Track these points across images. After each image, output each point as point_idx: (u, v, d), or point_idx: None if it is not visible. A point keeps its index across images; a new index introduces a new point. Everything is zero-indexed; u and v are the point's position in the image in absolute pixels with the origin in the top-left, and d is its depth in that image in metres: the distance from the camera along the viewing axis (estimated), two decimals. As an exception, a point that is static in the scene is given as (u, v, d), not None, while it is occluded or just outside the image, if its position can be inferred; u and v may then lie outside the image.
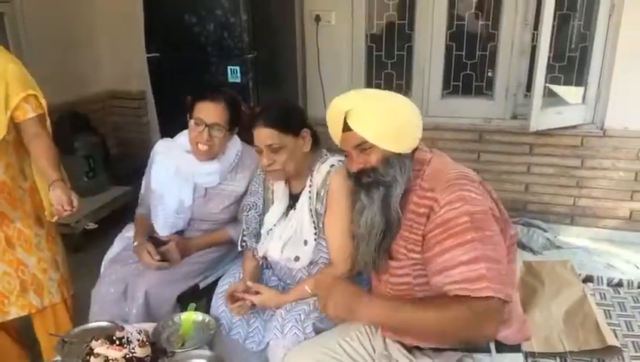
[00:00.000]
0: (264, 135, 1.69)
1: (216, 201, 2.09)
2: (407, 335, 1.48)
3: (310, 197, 1.75)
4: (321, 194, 1.74)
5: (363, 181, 1.44)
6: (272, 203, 1.86)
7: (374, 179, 1.41)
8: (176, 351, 1.63)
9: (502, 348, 1.44)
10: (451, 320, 1.24)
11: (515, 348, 1.48)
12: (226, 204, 2.09)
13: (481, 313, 1.22)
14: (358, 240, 1.49)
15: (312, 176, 1.77)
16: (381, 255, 1.46)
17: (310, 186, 1.76)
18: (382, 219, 1.41)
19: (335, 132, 1.46)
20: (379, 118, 1.40)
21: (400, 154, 1.40)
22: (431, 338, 1.43)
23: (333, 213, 1.71)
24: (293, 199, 1.82)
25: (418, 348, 1.49)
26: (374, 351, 1.58)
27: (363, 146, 1.41)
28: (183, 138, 2.09)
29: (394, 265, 1.46)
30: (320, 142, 1.82)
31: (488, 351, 1.42)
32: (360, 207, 1.46)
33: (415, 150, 1.45)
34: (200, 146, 1.96)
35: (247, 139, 1.89)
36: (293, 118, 1.74)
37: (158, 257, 1.96)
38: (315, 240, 1.74)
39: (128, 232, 2.22)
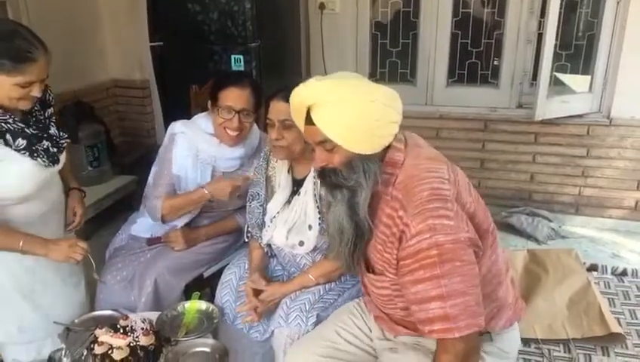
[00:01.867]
0: (281, 109, 1.66)
1: None
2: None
3: (315, 183, 1.75)
4: None
5: (326, 179, 1.37)
6: (275, 191, 1.86)
7: (335, 181, 1.34)
8: (180, 339, 1.64)
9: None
10: None
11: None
12: (242, 191, 2.06)
13: (463, 353, 1.25)
14: (330, 241, 1.44)
15: None
16: (355, 261, 1.41)
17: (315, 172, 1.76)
18: (351, 223, 1.34)
19: (299, 123, 1.37)
20: (345, 117, 1.26)
21: (367, 156, 1.29)
22: None
23: None
24: (297, 185, 1.82)
25: None
26: (370, 331, 1.58)
27: (325, 145, 1.30)
28: (202, 120, 2.05)
29: (373, 277, 1.44)
30: None
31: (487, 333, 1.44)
32: (327, 203, 1.42)
33: (388, 147, 1.33)
34: (230, 132, 1.94)
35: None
36: None
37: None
38: (320, 224, 1.74)
39: (134, 221, 2.22)
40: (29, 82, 1.49)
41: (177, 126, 2.05)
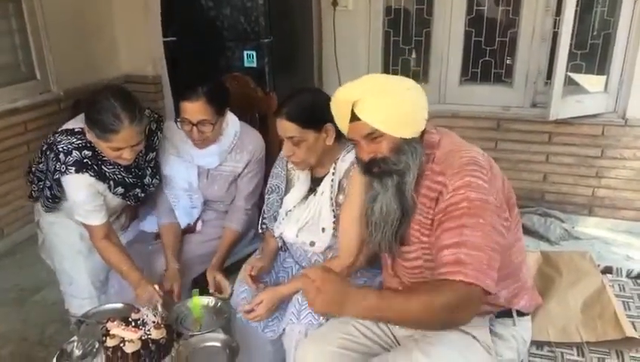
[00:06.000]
0: (285, 128, 1.69)
1: (220, 183, 2.11)
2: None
3: (332, 186, 1.74)
4: (344, 185, 1.73)
5: (374, 171, 1.43)
6: (294, 185, 1.86)
7: (385, 168, 1.40)
8: (192, 333, 1.64)
9: (519, 314, 1.57)
10: (429, 308, 1.25)
11: (526, 314, 1.62)
12: (228, 185, 2.11)
13: (456, 299, 1.24)
14: (372, 229, 1.47)
15: (336, 164, 1.76)
16: (397, 241, 1.46)
17: (333, 174, 1.75)
18: (397, 205, 1.41)
19: (342, 122, 1.43)
20: (388, 106, 1.37)
21: (410, 139, 1.39)
22: (416, 327, 1.43)
23: (349, 205, 1.69)
24: (315, 183, 1.81)
25: None
26: (389, 329, 1.58)
27: (373, 135, 1.39)
28: None
29: (405, 249, 1.47)
30: None
31: (510, 316, 1.54)
32: (373, 194, 1.45)
33: (423, 132, 1.43)
34: (195, 140, 1.97)
35: (265, 121, 1.88)
36: (317, 113, 1.69)
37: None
38: (334, 228, 1.74)
39: (144, 218, 2.23)
40: (117, 147, 1.73)
41: (164, 129, 2.06)
